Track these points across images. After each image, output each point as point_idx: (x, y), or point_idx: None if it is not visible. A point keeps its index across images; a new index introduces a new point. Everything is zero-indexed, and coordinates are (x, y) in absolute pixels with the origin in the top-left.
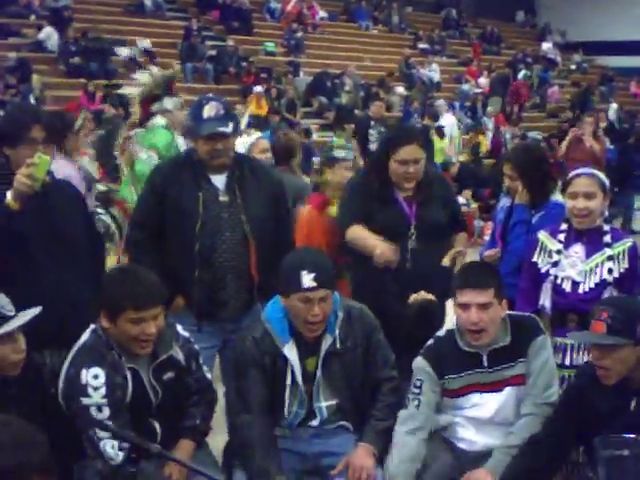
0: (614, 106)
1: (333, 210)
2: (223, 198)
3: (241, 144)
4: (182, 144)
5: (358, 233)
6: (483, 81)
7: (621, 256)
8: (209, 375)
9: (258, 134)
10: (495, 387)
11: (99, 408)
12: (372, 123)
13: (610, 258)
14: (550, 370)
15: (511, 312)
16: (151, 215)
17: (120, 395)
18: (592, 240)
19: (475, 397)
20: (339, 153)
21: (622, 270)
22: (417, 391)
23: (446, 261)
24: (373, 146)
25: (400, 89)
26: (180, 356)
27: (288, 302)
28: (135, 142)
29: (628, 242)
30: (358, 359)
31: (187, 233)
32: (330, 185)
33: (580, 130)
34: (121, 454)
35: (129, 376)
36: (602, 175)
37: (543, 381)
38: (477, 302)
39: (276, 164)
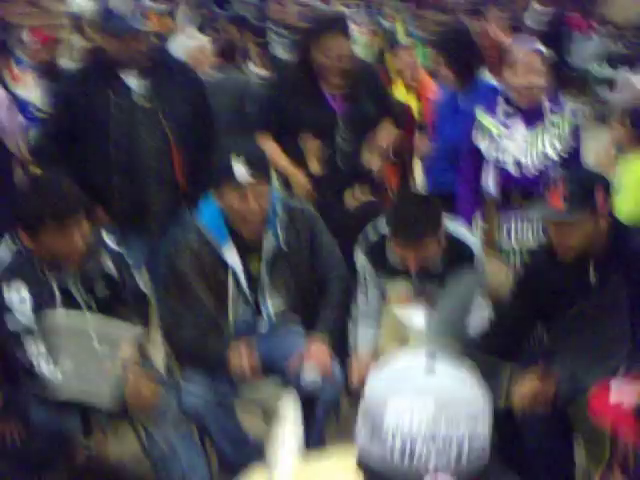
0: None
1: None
2: (138, 99)
3: (181, 45)
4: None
5: (271, 150)
6: None
7: (566, 130)
8: (143, 286)
9: (198, 36)
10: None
11: (27, 326)
12: (271, 26)
13: (552, 127)
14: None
15: (450, 232)
16: (58, 122)
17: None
18: (533, 116)
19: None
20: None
21: (569, 150)
22: (363, 284)
23: (372, 162)
24: (275, 50)
25: None
26: (111, 269)
27: (222, 199)
28: None
29: (571, 119)
30: (305, 260)
31: (100, 137)
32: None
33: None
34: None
35: (56, 291)
36: (544, 48)
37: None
38: (416, 254)
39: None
